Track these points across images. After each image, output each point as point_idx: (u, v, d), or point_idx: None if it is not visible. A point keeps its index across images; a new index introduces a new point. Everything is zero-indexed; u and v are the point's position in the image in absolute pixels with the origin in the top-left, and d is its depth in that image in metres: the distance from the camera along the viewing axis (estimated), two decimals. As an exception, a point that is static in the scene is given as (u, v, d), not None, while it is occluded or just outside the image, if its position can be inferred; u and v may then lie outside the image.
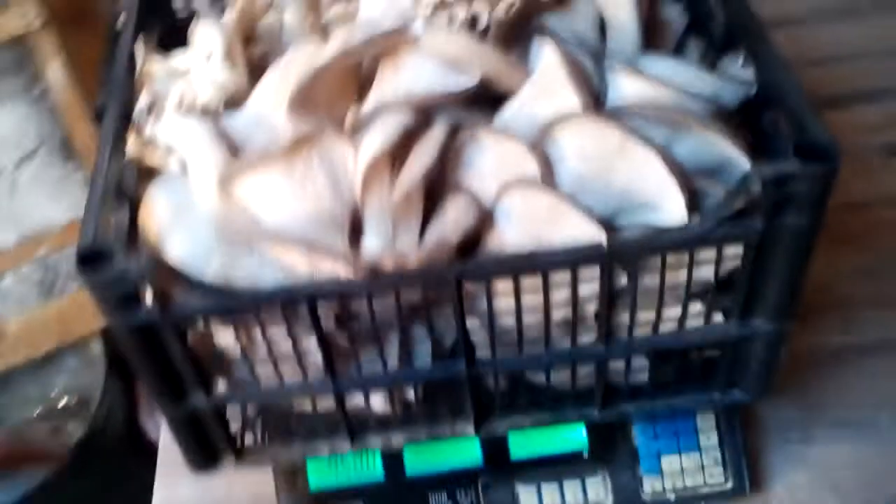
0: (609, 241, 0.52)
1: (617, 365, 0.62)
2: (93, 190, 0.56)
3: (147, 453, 1.50)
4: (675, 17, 0.69)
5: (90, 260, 0.52)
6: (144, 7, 0.72)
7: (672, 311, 0.58)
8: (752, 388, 0.65)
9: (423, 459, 0.72)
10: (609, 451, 0.72)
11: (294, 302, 0.54)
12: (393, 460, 0.72)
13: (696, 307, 0.58)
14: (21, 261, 1.43)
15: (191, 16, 0.77)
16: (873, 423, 0.78)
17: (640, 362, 0.63)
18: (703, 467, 0.71)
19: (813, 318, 0.84)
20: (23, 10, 1.22)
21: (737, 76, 0.60)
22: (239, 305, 0.54)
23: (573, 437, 0.71)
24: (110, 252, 0.52)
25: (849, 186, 0.96)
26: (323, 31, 0.70)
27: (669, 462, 0.71)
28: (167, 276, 0.53)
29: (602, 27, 0.66)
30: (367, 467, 0.72)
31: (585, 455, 0.71)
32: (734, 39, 0.63)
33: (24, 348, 1.48)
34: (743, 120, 0.60)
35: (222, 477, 0.78)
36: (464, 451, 0.72)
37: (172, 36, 0.75)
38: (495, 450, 0.72)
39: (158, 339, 0.55)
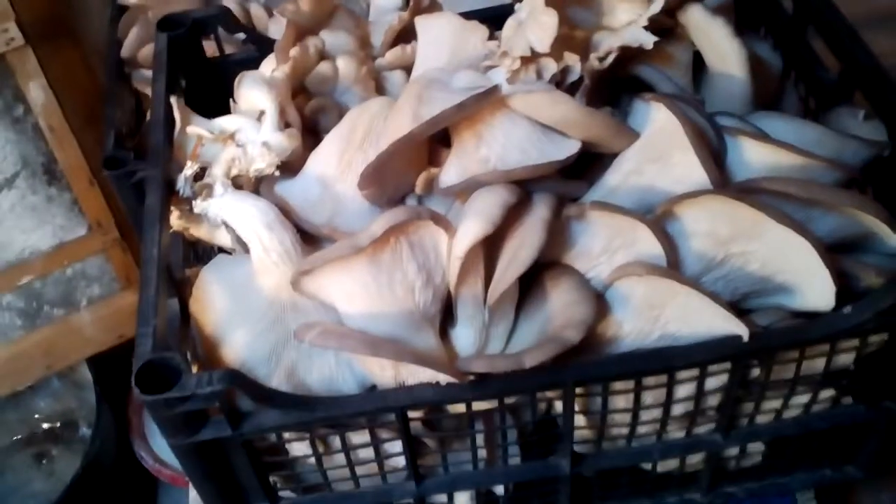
0: (751, 337, 0.46)
1: (731, 452, 0.56)
2: (145, 288, 0.49)
3: (142, 482, 1.43)
4: (769, 57, 0.63)
5: (153, 376, 0.44)
6: (172, 54, 0.64)
7: (802, 399, 0.52)
8: (868, 465, 0.59)
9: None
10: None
11: (385, 412, 0.47)
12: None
13: (827, 393, 0.52)
14: (4, 289, 1.34)
15: (221, 57, 0.69)
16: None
17: (756, 447, 0.57)
18: (802, 545, 0.65)
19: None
20: (2, 27, 1.13)
21: (861, 134, 0.54)
22: (321, 420, 0.47)
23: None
24: (176, 366, 0.44)
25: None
26: (377, 81, 0.63)
27: (767, 539, 0.66)
28: (241, 388, 0.45)
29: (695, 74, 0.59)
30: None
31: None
32: (850, 89, 0.56)
33: (10, 379, 1.39)
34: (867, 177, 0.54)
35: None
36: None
37: (201, 82, 0.67)
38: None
39: (223, 454, 0.48)
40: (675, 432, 0.53)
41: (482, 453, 0.54)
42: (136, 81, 0.86)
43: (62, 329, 1.38)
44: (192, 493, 0.73)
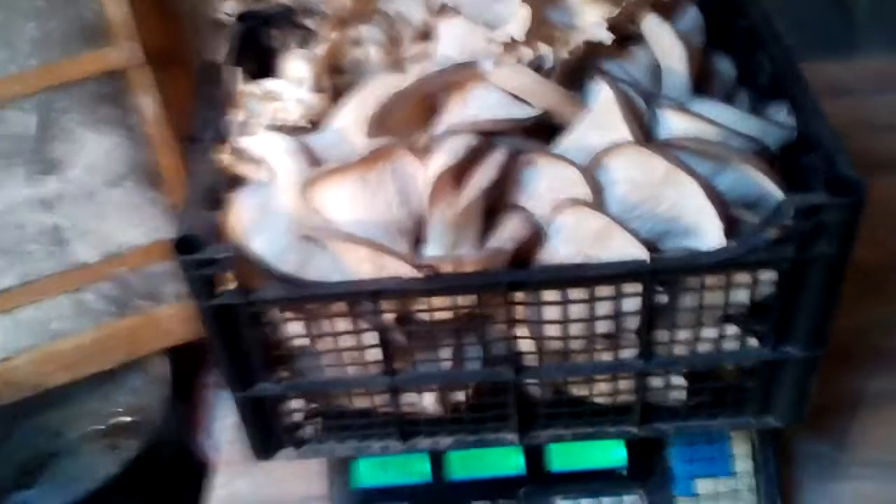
0: (651, 259, 0.57)
1: (656, 383, 0.67)
2: (189, 191, 0.64)
3: (199, 475, 1.55)
4: (725, 69, 0.75)
5: (184, 246, 0.58)
6: (242, 40, 0.80)
7: (709, 332, 0.63)
8: (784, 414, 0.68)
9: (467, 465, 0.76)
10: (646, 470, 0.75)
11: (359, 296, 0.60)
12: (439, 464, 0.76)
13: (732, 329, 0.63)
14: (101, 277, 1.48)
15: (280, 50, 0.85)
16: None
17: (678, 381, 0.67)
18: (736, 492, 0.74)
19: (854, 363, 0.88)
20: (127, 46, 1.31)
21: (779, 122, 0.65)
22: (310, 296, 0.60)
23: (612, 454, 0.75)
24: (202, 241, 0.59)
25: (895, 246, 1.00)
26: (400, 68, 0.77)
27: (704, 485, 0.75)
28: (249, 265, 0.59)
29: (658, 75, 0.71)
30: (414, 469, 0.77)
31: (624, 473, 0.75)
32: (779, 90, 0.68)
33: (96, 360, 1.53)
34: (783, 162, 0.65)
35: (277, 476, 0.84)
36: (507, 459, 0.76)
37: (263, 69, 0.83)
38: (537, 461, 0.76)
39: (236, 324, 0.62)
40: (604, 355, 0.64)
41: (446, 358, 0.66)
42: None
43: (146, 320, 1.53)
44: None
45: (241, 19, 0.83)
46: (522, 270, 0.60)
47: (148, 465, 1.49)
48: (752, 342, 0.64)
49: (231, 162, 0.70)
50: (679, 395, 0.68)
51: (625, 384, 0.67)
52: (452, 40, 0.76)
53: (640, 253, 0.58)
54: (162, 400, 1.56)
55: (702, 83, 0.72)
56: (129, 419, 1.69)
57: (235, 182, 0.72)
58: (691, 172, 0.58)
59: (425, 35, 0.80)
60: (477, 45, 0.74)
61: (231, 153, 0.70)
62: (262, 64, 0.83)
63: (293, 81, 0.72)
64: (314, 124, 0.72)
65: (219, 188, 0.69)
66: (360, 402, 0.69)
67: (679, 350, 0.64)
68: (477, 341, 0.66)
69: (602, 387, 0.67)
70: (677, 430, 0.70)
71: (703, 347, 0.64)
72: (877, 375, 0.88)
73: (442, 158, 0.60)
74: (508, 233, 0.60)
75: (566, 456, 0.75)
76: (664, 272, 0.58)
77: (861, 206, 0.55)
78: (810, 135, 0.62)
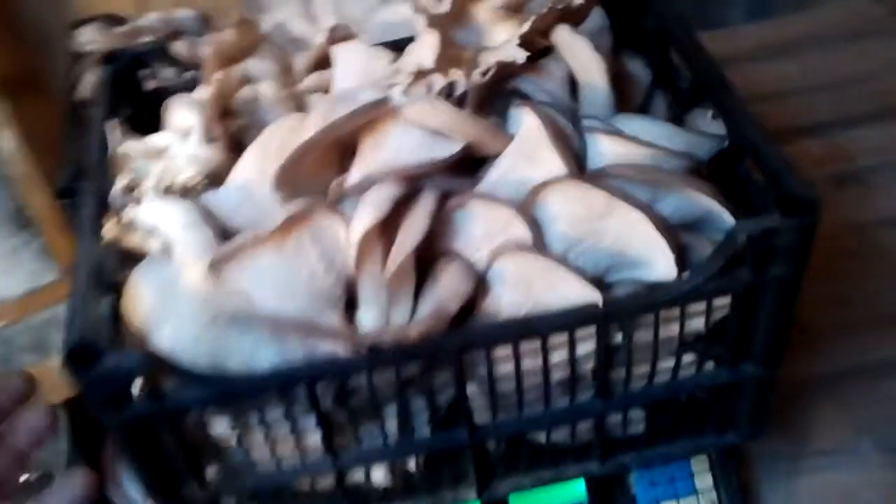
0: (604, 302, 0.53)
1: (614, 419, 0.63)
2: (76, 282, 0.55)
3: None
4: (639, 71, 0.71)
5: (79, 357, 0.50)
6: (114, 85, 0.71)
7: (666, 363, 0.59)
8: (744, 429, 0.66)
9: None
10: (608, 502, 0.72)
11: (292, 385, 0.54)
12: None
13: (689, 357, 0.59)
14: None
15: (158, 91, 0.76)
16: (855, 450, 0.80)
17: (637, 413, 0.63)
18: (701, 510, 0.72)
19: (786, 349, 0.86)
20: (-27, 75, 1.19)
21: (707, 131, 0.62)
22: (235, 393, 0.53)
23: (572, 491, 0.71)
24: (99, 348, 0.51)
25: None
26: (298, 102, 0.70)
27: (668, 508, 0.72)
28: (159, 368, 0.52)
29: (574, 87, 0.67)
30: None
31: (585, 508, 0.72)
32: (701, 94, 0.64)
33: None
34: (716, 170, 0.62)
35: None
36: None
37: (141, 113, 0.75)
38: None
39: (152, 433, 0.54)
40: (561, 400, 0.60)
41: (393, 428, 0.60)
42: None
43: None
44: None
45: (109, 60, 0.74)
46: (471, 332, 0.55)
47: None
48: (709, 365, 0.61)
49: (117, 235, 0.62)
50: (638, 427, 0.64)
51: (583, 424, 0.63)
52: (351, 66, 0.70)
53: (590, 293, 0.53)
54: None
55: (616, 88, 0.68)
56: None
57: (128, 257, 0.64)
58: (634, 203, 0.54)
59: (320, 61, 0.74)
60: (378, 71, 0.68)
61: (116, 225, 0.62)
62: (139, 109, 0.75)
63: (181, 133, 0.64)
64: (212, 179, 0.64)
65: (110, 267, 0.61)
66: (303, 485, 0.63)
67: (637, 384, 0.60)
68: (424, 402, 0.61)
69: (560, 430, 0.63)
70: (639, 460, 0.66)
71: (660, 378, 0.60)
72: (819, 359, 0.86)
73: (366, 216, 0.54)
74: (448, 289, 0.55)
75: (526, 501, 0.71)
76: (619, 314, 0.54)
77: (815, 226, 0.52)
78: (744, 143, 0.59)
